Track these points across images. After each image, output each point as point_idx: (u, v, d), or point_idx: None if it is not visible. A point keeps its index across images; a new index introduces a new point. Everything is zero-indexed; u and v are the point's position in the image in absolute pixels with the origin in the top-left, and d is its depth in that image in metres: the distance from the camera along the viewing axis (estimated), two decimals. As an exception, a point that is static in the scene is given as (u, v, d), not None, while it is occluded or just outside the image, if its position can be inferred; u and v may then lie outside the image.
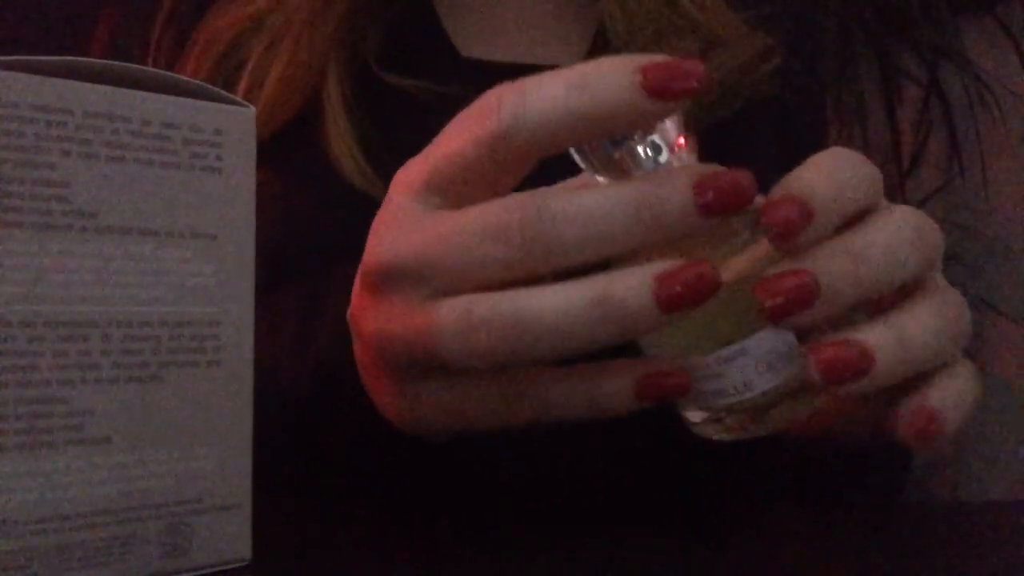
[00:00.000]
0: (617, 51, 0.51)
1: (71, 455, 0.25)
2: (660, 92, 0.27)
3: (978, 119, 1.55)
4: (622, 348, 0.29)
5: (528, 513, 0.36)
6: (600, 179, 0.31)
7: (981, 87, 1.55)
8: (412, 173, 0.31)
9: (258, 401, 0.28)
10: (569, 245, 0.27)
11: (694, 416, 0.32)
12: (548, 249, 0.27)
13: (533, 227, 0.27)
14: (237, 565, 0.28)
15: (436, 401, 0.31)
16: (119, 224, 0.26)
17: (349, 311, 0.35)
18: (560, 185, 0.33)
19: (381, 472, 0.42)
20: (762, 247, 0.30)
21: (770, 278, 0.28)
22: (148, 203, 0.26)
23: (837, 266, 0.28)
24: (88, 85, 0.25)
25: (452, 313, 0.28)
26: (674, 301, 0.27)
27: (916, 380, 0.30)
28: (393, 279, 0.30)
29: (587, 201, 0.27)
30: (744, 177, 0.27)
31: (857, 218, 0.30)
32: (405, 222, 0.30)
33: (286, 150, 0.49)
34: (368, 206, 0.33)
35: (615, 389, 0.29)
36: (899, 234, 0.29)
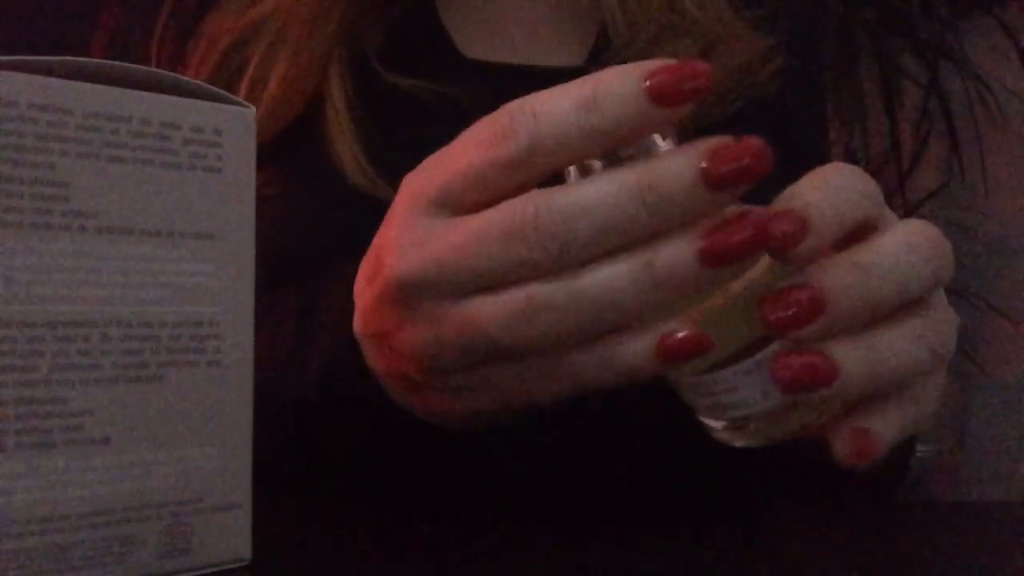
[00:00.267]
0: (618, 52, 0.51)
1: (71, 455, 0.25)
2: (667, 99, 0.27)
3: (978, 119, 1.55)
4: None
5: (529, 513, 0.36)
6: None
7: (981, 87, 1.56)
8: (419, 185, 0.31)
9: (258, 402, 0.28)
10: (582, 235, 0.28)
11: (715, 424, 0.32)
12: (564, 242, 0.28)
13: (546, 224, 0.28)
14: (237, 565, 0.28)
15: (486, 391, 0.32)
16: (119, 224, 0.26)
17: (361, 329, 0.35)
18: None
19: (382, 472, 0.42)
20: (765, 268, 0.30)
21: (775, 292, 0.28)
22: (148, 203, 0.26)
23: (845, 280, 0.28)
24: (88, 85, 0.25)
25: (510, 304, 0.29)
26: (717, 254, 0.28)
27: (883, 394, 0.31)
28: (418, 291, 0.30)
29: (591, 189, 0.28)
30: (752, 144, 0.28)
31: (863, 232, 0.30)
32: (419, 234, 0.30)
33: (287, 150, 0.49)
34: (369, 206, 0.33)
35: (637, 351, 0.29)
36: (910, 249, 0.29)
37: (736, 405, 0.31)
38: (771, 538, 0.35)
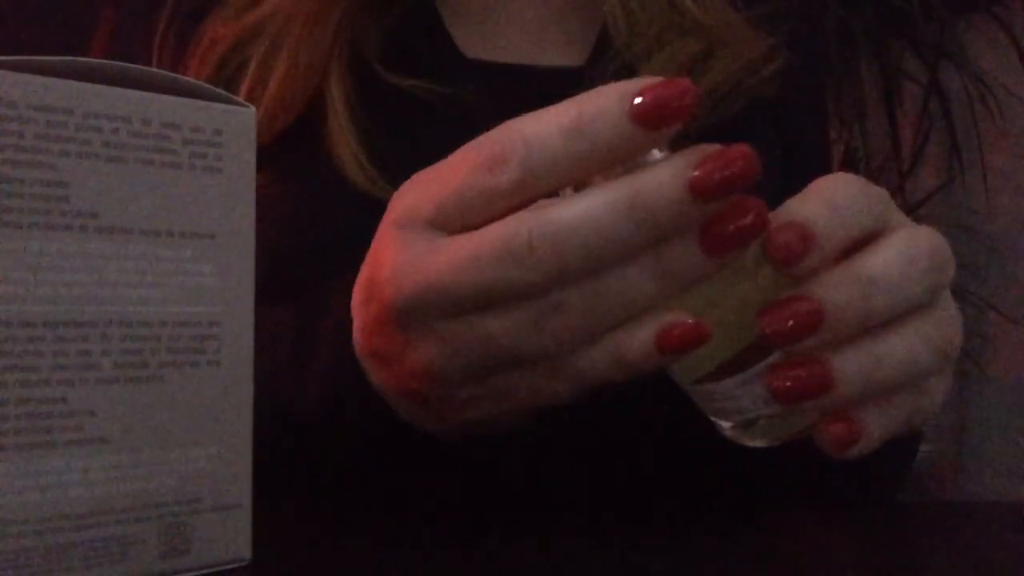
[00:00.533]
0: (619, 52, 0.51)
1: (71, 455, 0.25)
2: (652, 122, 0.27)
3: (978, 119, 1.56)
4: (654, 376, 0.31)
5: (529, 514, 0.36)
6: None
7: (981, 87, 1.56)
8: (412, 202, 0.31)
9: (257, 418, 0.28)
10: (576, 255, 0.28)
11: (724, 423, 0.33)
12: (558, 264, 0.28)
13: (539, 247, 0.28)
14: (237, 565, 0.28)
15: (496, 398, 0.32)
16: (119, 224, 0.26)
17: (362, 350, 0.35)
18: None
19: (384, 480, 0.42)
20: (770, 272, 0.30)
21: (774, 305, 0.29)
22: (148, 203, 0.26)
23: (844, 291, 0.28)
24: (88, 85, 0.25)
25: (519, 314, 0.29)
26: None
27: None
28: (417, 315, 0.31)
29: (582, 208, 0.28)
30: (739, 152, 0.27)
31: (865, 241, 0.30)
32: (413, 255, 0.30)
33: (288, 151, 0.49)
34: (369, 206, 0.33)
35: (637, 343, 0.29)
36: (910, 259, 0.29)
37: (740, 411, 0.31)
38: (771, 538, 0.35)
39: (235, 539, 0.28)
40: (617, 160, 0.28)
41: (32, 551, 0.24)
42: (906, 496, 0.53)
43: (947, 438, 1.62)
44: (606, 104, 0.27)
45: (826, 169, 0.61)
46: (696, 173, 0.27)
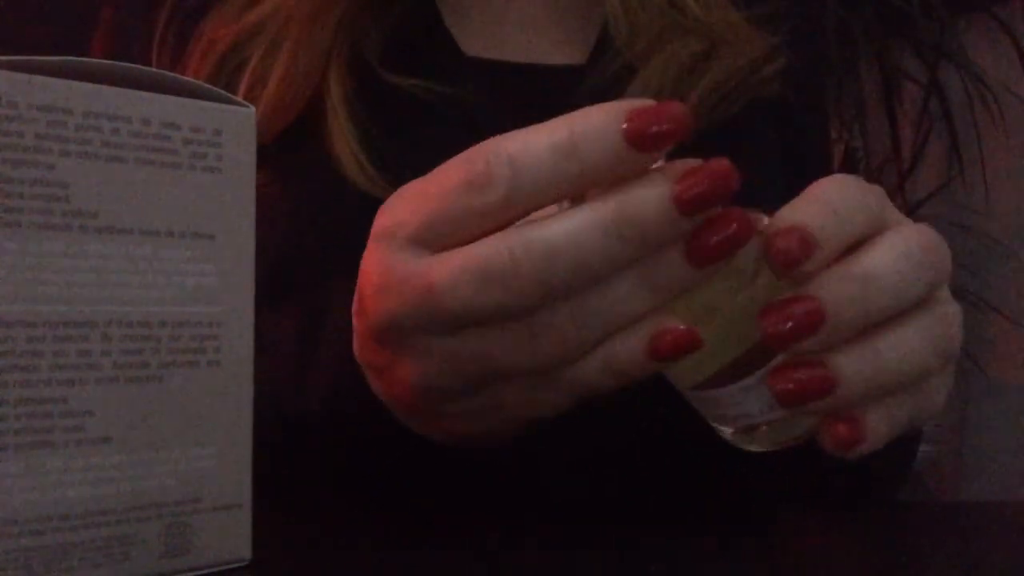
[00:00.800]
0: (620, 51, 0.51)
1: (71, 455, 0.25)
2: (645, 145, 0.27)
3: (978, 119, 1.55)
4: (653, 381, 0.31)
5: (529, 514, 0.36)
6: None
7: (981, 87, 1.56)
8: (395, 220, 0.31)
9: (259, 423, 0.28)
10: (561, 275, 0.28)
11: (725, 429, 0.32)
12: (543, 286, 0.28)
13: (523, 268, 0.28)
14: (237, 565, 0.28)
15: (489, 411, 0.32)
16: (119, 224, 0.26)
17: (359, 358, 0.35)
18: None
19: (383, 480, 0.42)
20: (769, 276, 0.30)
21: (774, 306, 0.28)
22: (148, 203, 0.26)
23: (843, 291, 0.28)
24: (88, 85, 0.25)
25: (509, 330, 0.29)
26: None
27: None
28: (401, 333, 0.31)
29: (566, 227, 0.28)
30: (720, 165, 0.27)
31: (863, 240, 0.30)
32: (396, 274, 0.30)
33: (288, 151, 0.49)
34: (369, 206, 0.33)
35: (629, 350, 0.29)
36: (907, 256, 0.29)
37: (742, 417, 0.31)
38: (772, 538, 0.35)
39: (235, 539, 0.28)
40: (605, 181, 0.28)
41: (32, 551, 0.24)
42: (906, 496, 0.53)
43: (947, 438, 1.61)
44: (599, 125, 0.27)
45: (827, 169, 0.61)
46: (678, 188, 0.27)
